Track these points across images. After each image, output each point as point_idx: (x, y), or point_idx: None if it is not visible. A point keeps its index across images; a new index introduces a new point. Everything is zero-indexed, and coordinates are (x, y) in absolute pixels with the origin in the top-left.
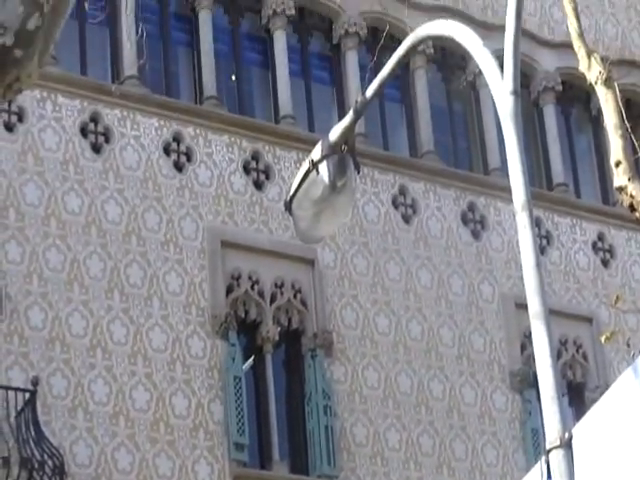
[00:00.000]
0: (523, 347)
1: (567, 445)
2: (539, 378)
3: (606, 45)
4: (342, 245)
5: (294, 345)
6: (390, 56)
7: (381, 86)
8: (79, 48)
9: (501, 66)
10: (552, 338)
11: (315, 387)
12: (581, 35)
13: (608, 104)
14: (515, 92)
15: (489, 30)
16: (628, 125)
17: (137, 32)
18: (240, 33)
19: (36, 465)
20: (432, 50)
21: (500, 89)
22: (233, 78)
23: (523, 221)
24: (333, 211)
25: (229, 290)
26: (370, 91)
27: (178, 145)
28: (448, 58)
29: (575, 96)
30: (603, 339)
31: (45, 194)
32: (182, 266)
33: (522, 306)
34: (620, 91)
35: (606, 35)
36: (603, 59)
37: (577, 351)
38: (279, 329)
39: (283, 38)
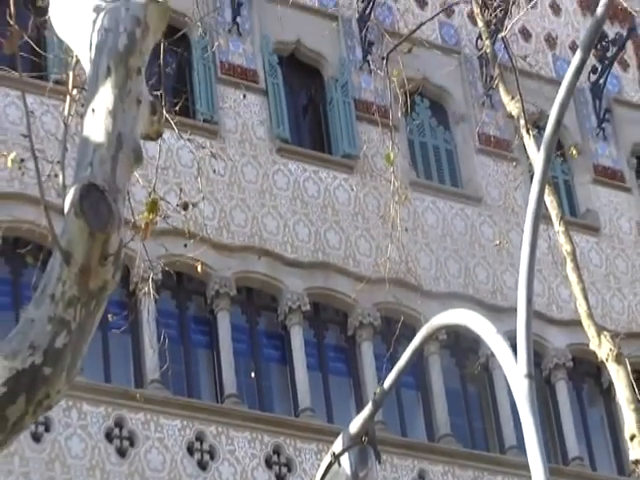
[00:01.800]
0: None
1: None
2: None
3: (614, 319)
4: None
5: None
6: (405, 343)
7: (398, 376)
8: (103, 356)
9: (513, 347)
10: None
11: None
12: (590, 315)
13: (620, 380)
14: (529, 375)
15: (499, 313)
16: None
17: (159, 338)
18: (258, 331)
19: None
20: (445, 336)
21: (514, 373)
22: (252, 375)
23: None
24: None
25: None
26: (388, 382)
27: (201, 444)
28: (461, 342)
29: (586, 371)
30: None
31: None
32: None
33: None
34: (630, 363)
35: (613, 310)
36: (613, 336)
37: None
38: None
39: (300, 333)
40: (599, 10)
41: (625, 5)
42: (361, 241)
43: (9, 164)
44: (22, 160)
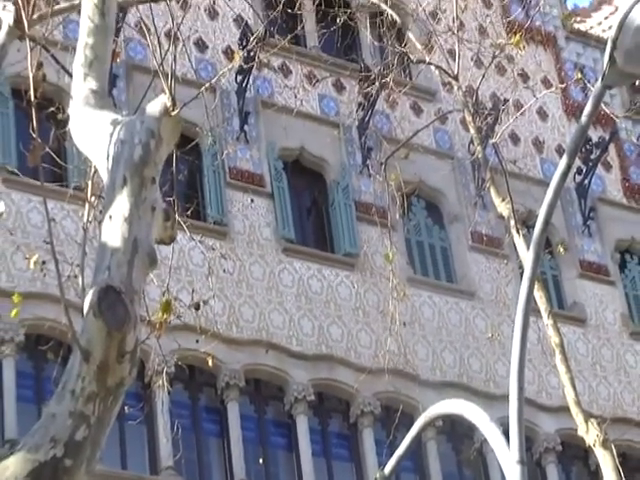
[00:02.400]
0: None
1: None
2: None
3: (600, 405)
4: None
5: None
6: (404, 430)
7: (398, 462)
8: (119, 445)
9: (505, 432)
10: None
11: None
12: (578, 402)
13: (606, 464)
14: (521, 461)
15: (492, 400)
16: None
17: (172, 428)
18: (265, 420)
19: None
20: (441, 422)
21: (507, 459)
22: (260, 461)
23: None
24: None
25: None
26: (388, 467)
27: None
28: (457, 428)
29: (574, 454)
30: None
31: None
32: None
33: None
34: (616, 447)
35: (600, 396)
36: (599, 422)
37: None
38: None
39: (305, 422)
40: (583, 119)
41: (607, 111)
42: (362, 334)
43: (32, 266)
44: (44, 262)
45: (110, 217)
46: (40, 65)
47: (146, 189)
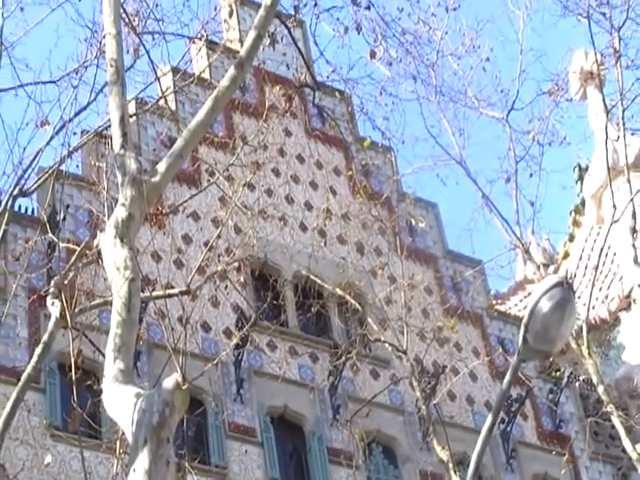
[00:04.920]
0: None
1: None
2: None
3: None
4: None
5: None
6: None
7: None
8: None
9: None
10: None
11: None
12: None
13: None
14: None
15: None
16: None
17: None
18: None
19: None
20: None
21: None
22: None
23: None
24: None
25: None
26: None
27: None
28: None
29: None
30: None
31: None
32: None
33: None
34: None
35: None
36: None
37: None
38: None
39: None
40: (504, 386)
41: (522, 376)
42: None
43: None
44: None
45: (134, 470)
46: (80, 352)
47: (162, 447)
